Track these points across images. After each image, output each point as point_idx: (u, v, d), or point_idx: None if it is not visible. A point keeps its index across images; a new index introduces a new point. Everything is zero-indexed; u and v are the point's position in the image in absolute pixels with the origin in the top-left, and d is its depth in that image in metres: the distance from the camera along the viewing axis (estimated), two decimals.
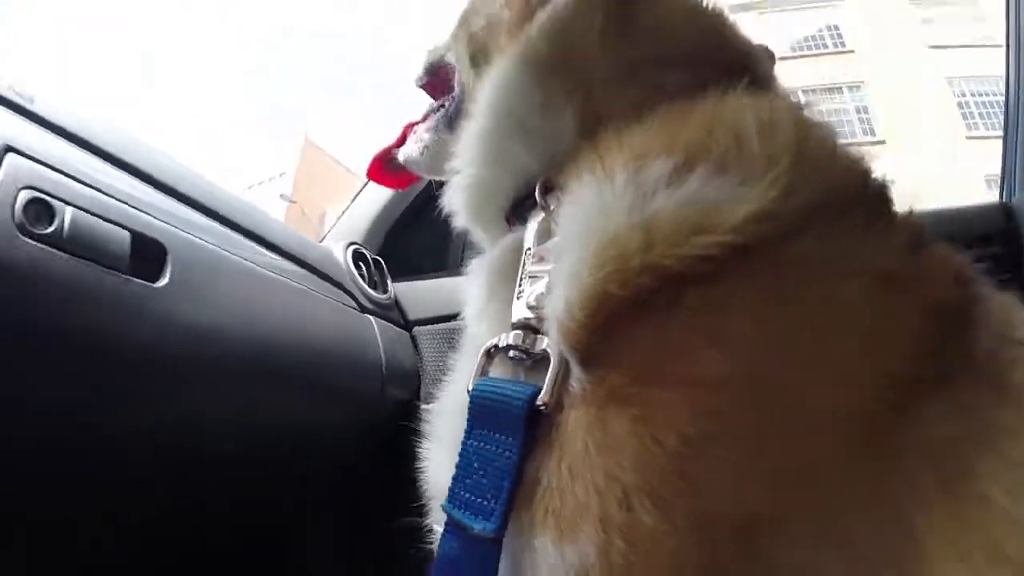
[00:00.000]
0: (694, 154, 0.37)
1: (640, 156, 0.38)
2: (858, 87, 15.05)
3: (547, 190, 0.45)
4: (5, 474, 0.61)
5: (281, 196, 21.72)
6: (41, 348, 0.57)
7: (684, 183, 0.35)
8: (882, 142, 14.19)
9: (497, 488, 0.34)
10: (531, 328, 0.39)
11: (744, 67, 0.48)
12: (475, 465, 0.36)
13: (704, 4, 0.53)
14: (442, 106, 0.63)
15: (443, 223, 1.33)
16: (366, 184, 1.34)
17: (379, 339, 1.06)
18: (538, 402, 0.35)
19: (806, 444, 0.31)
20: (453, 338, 1.17)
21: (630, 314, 0.34)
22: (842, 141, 0.41)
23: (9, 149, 0.59)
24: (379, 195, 1.32)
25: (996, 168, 1.30)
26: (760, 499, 0.30)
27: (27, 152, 0.61)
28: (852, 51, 15.37)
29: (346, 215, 1.36)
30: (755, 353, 0.32)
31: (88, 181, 0.65)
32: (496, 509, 0.34)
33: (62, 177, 0.62)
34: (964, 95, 14.51)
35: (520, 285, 0.42)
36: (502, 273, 0.47)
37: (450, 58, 0.63)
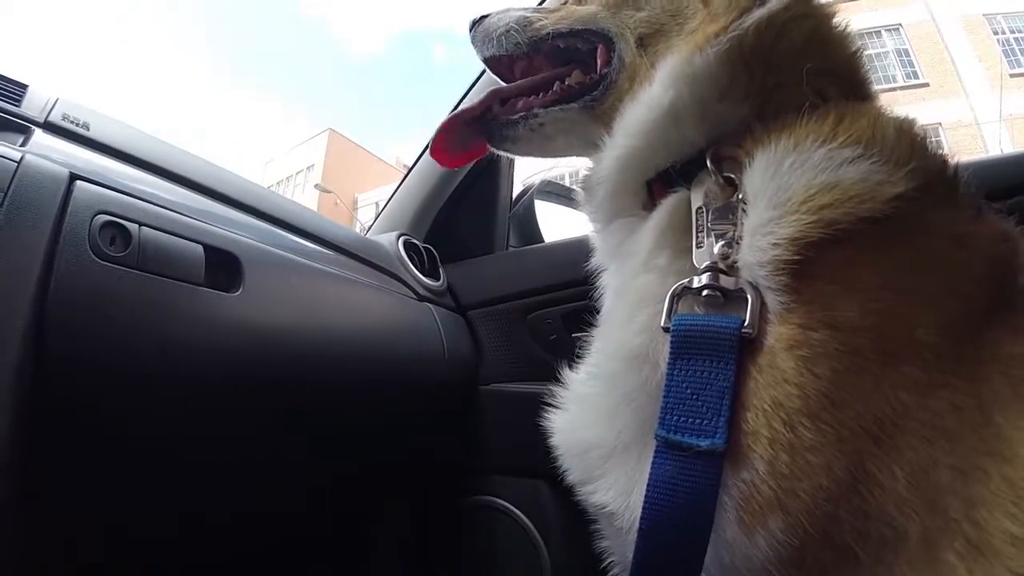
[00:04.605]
0: (867, 146, 0.46)
1: (828, 138, 0.47)
2: (897, 30, 14.22)
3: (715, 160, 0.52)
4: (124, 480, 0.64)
5: (316, 186, 22.04)
6: (128, 367, 0.58)
7: (863, 163, 0.45)
8: (925, 85, 13.60)
9: (717, 407, 0.41)
10: (720, 271, 0.46)
11: (863, 81, 0.59)
12: (688, 391, 0.42)
13: (848, 29, 0.60)
14: (580, 84, 0.64)
15: (487, 206, 1.35)
16: (407, 173, 1.34)
17: (439, 325, 1.07)
18: (744, 330, 0.42)
19: (914, 362, 0.39)
20: (505, 320, 1.18)
21: (816, 257, 0.42)
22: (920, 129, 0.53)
23: (76, 177, 0.59)
24: (421, 184, 1.32)
25: None
26: (884, 407, 0.38)
27: (94, 179, 0.61)
28: None
29: (390, 205, 1.36)
30: (878, 300, 0.41)
31: (156, 200, 0.66)
32: (720, 426, 0.40)
33: (131, 199, 0.63)
34: (1004, 31, 13.59)
35: (698, 237, 0.49)
36: (667, 229, 0.53)
37: (610, 33, 0.63)
